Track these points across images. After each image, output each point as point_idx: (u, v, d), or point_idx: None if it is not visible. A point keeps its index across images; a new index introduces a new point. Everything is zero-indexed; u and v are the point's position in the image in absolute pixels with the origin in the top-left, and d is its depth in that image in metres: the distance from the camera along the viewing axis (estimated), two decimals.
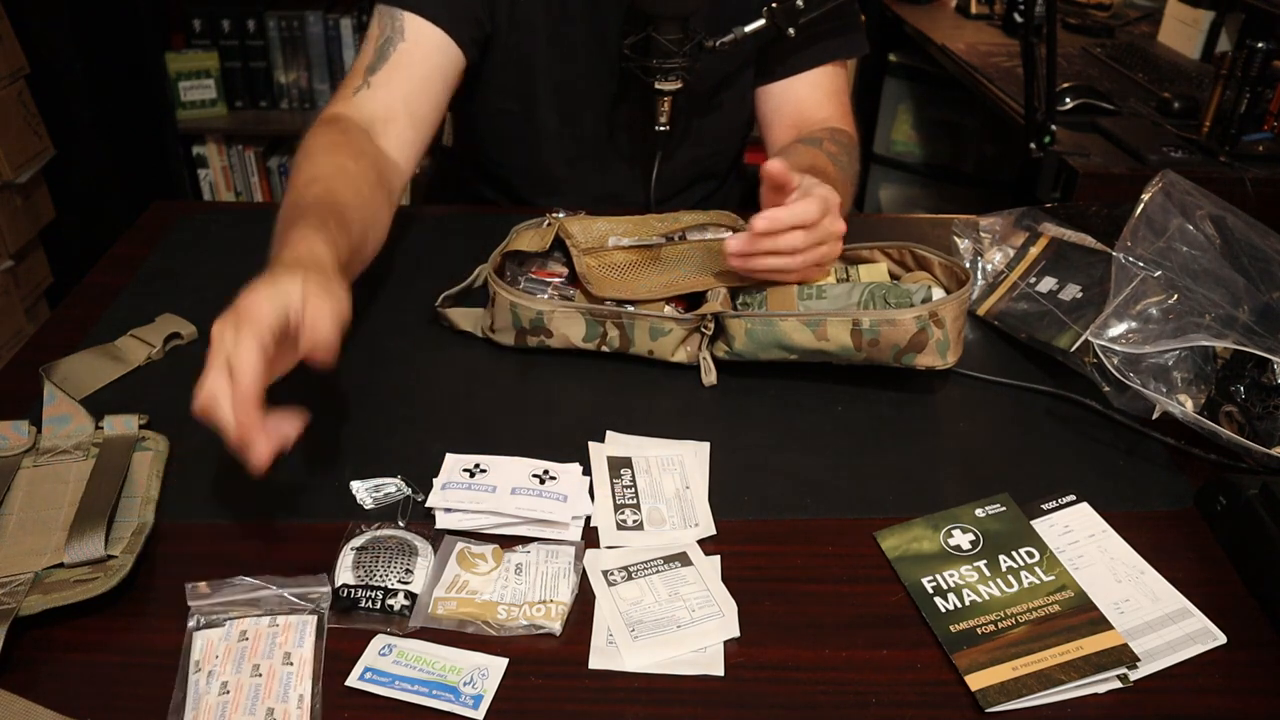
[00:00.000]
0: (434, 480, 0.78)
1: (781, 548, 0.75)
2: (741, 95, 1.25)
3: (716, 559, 0.73)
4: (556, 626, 0.67)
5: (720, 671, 0.65)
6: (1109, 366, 0.84)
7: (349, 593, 0.68)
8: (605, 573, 0.71)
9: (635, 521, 0.76)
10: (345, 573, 0.69)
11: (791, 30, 1.07)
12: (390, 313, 1.01)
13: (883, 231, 1.03)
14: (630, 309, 0.92)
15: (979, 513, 0.77)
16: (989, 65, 2.08)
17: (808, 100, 1.22)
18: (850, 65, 1.32)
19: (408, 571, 0.70)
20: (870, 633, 0.68)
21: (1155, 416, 0.83)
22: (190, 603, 0.67)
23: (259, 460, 0.66)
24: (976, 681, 0.64)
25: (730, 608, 0.69)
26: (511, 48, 1.14)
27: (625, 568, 0.72)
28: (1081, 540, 0.75)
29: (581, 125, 1.21)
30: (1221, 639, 0.67)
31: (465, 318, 0.97)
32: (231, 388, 0.65)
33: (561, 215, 1.00)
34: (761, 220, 0.86)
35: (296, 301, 0.70)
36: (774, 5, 1.06)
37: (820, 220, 0.88)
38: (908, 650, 0.67)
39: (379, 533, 0.73)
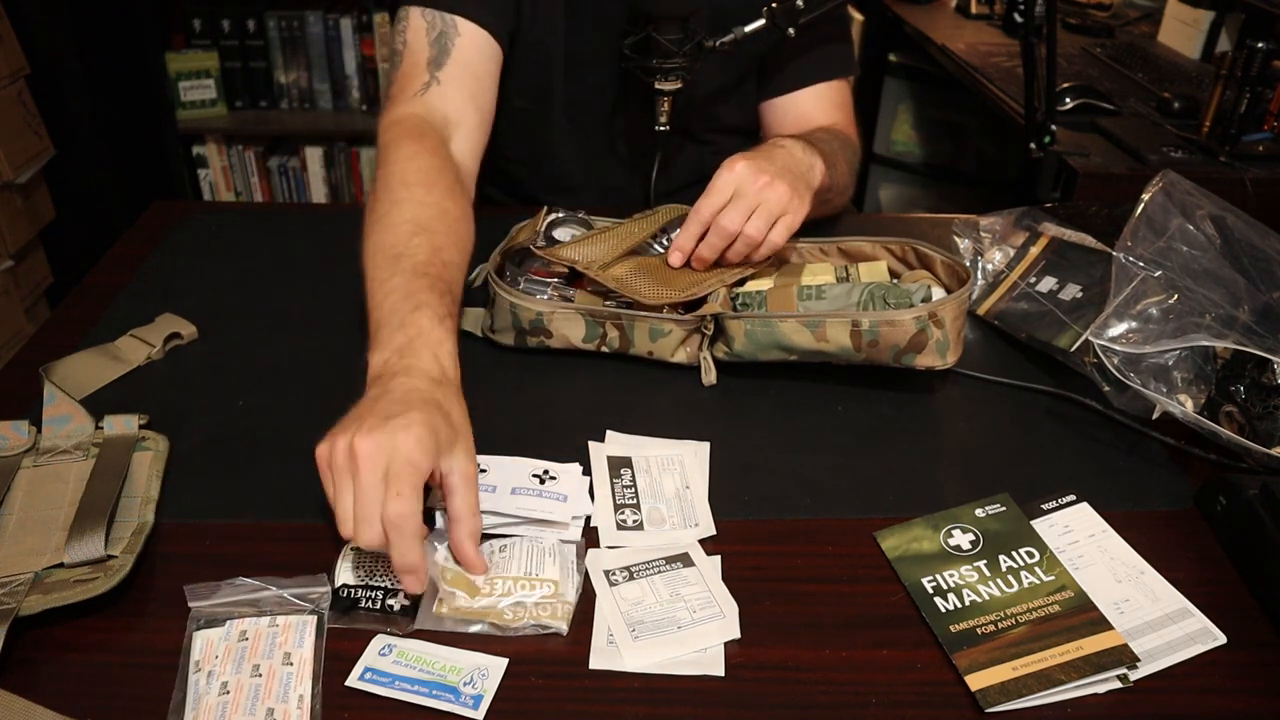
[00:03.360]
0: None
1: (781, 548, 0.75)
2: (746, 97, 1.25)
3: (717, 559, 0.73)
4: (563, 626, 0.67)
5: (720, 671, 0.65)
6: (1109, 366, 0.84)
7: (349, 593, 0.68)
8: (607, 573, 0.71)
9: (635, 521, 0.76)
10: (345, 573, 0.69)
11: (792, 30, 1.06)
12: None
13: (883, 231, 1.03)
14: (630, 309, 0.92)
15: (979, 513, 0.77)
16: (989, 65, 2.08)
17: (812, 111, 1.22)
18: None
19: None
20: (870, 633, 0.68)
21: (1155, 416, 0.83)
22: (190, 603, 0.67)
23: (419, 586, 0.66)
24: (976, 682, 0.64)
25: (731, 609, 0.69)
26: (531, 44, 1.14)
27: (627, 568, 0.72)
28: (1081, 540, 0.75)
29: (588, 122, 1.21)
30: (1221, 639, 0.67)
31: (465, 318, 0.97)
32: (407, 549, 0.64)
33: (561, 214, 1.00)
34: (674, 256, 0.94)
35: (454, 479, 0.69)
36: (774, 5, 1.06)
37: (725, 205, 0.91)
38: (908, 650, 0.67)
39: None
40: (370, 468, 0.64)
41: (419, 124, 0.99)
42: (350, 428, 0.67)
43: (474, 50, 1.05)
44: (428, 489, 0.68)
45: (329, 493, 0.67)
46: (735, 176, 0.93)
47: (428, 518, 0.75)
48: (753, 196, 0.92)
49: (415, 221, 0.86)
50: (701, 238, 0.93)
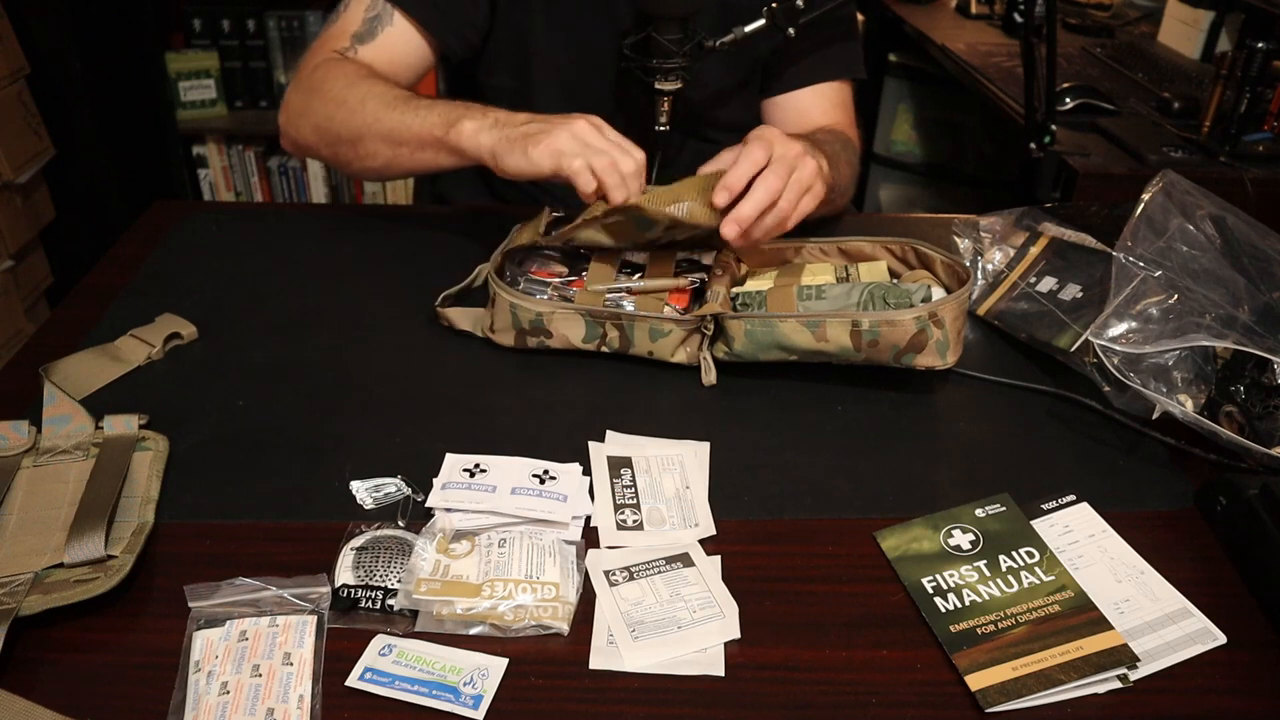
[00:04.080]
0: (434, 480, 0.78)
1: (781, 548, 0.75)
2: (749, 99, 1.25)
3: (717, 559, 0.73)
4: (564, 627, 0.67)
5: (720, 672, 0.65)
6: (1109, 366, 0.84)
7: (349, 593, 0.68)
8: (607, 573, 0.71)
9: (635, 521, 0.76)
10: (345, 573, 0.69)
11: (792, 30, 1.06)
12: (390, 313, 1.01)
13: (883, 231, 1.03)
14: (630, 309, 0.91)
15: (979, 513, 0.77)
16: (989, 65, 2.08)
17: (812, 110, 1.22)
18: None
19: (408, 572, 0.70)
20: (870, 633, 0.68)
21: (1155, 416, 0.83)
22: (190, 603, 0.67)
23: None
24: (976, 682, 0.64)
25: (731, 609, 0.69)
26: (512, 24, 1.16)
27: (627, 568, 0.72)
28: (1081, 540, 0.75)
29: None
30: (1221, 639, 0.67)
31: (465, 318, 0.97)
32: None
33: (561, 214, 1.00)
34: (720, 195, 0.89)
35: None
36: (774, 5, 1.06)
37: (771, 155, 0.91)
38: (908, 650, 0.67)
39: (379, 533, 0.73)
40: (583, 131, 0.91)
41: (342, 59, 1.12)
42: (547, 131, 0.91)
43: (401, 44, 1.13)
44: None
45: (586, 177, 0.89)
46: (771, 139, 0.92)
47: (427, 514, 0.75)
48: (790, 160, 0.91)
49: (395, 85, 1.07)
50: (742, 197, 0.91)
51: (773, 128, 0.95)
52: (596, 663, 0.65)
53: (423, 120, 1.01)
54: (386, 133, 1.04)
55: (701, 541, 0.75)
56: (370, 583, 0.69)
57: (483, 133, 0.96)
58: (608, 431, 0.85)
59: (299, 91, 1.12)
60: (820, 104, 1.22)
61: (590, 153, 0.90)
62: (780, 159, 0.91)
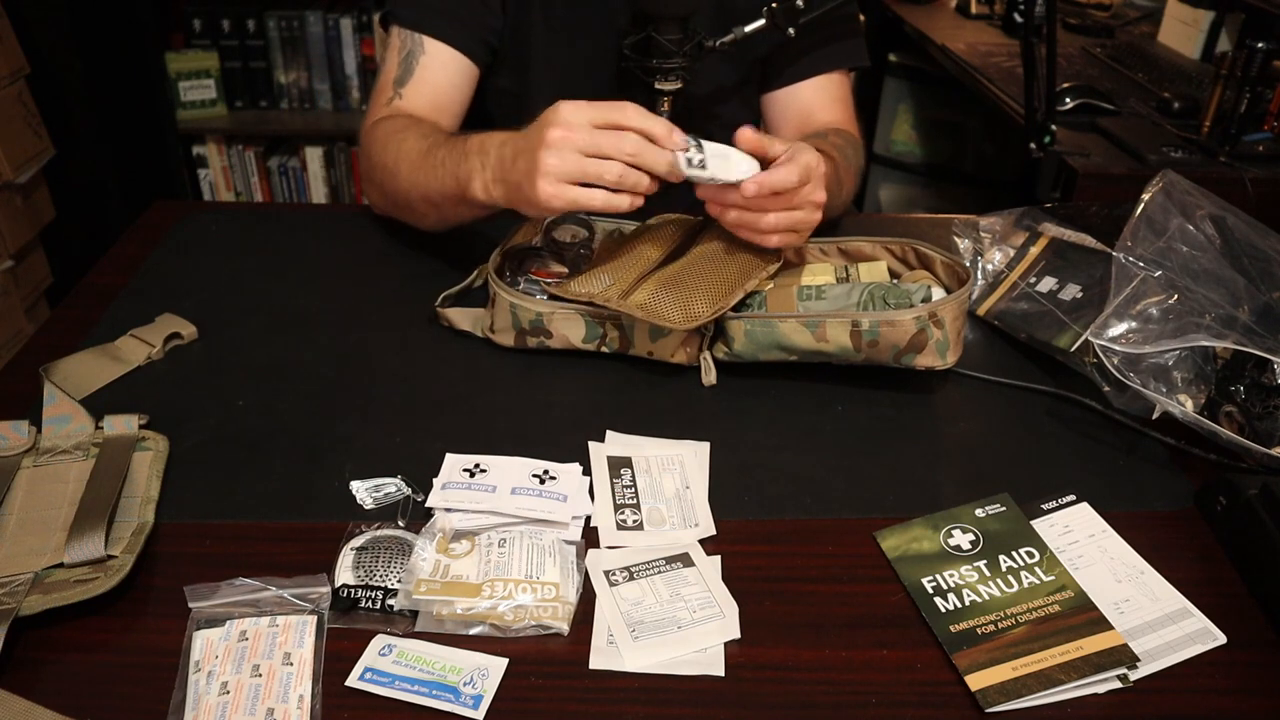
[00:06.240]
0: (434, 480, 0.78)
1: (781, 548, 0.75)
2: (748, 99, 1.25)
3: (717, 559, 0.73)
4: (564, 627, 0.67)
5: (720, 672, 0.65)
6: (1109, 366, 0.84)
7: (349, 593, 0.68)
8: (607, 573, 0.71)
9: (635, 521, 0.76)
10: (345, 573, 0.69)
11: (792, 30, 1.07)
12: (390, 313, 1.01)
13: (883, 231, 1.03)
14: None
15: (979, 513, 0.77)
16: (989, 65, 2.08)
17: (813, 104, 1.22)
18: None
19: (408, 572, 0.70)
20: (870, 633, 0.68)
21: (1155, 416, 0.83)
22: (190, 603, 0.67)
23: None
24: (976, 682, 0.64)
25: (731, 609, 0.69)
26: (514, 25, 1.16)
27: (627, 568, 0.72)
28: (1081, 540, 0.75)
29: None
30: (1221, 639, 0.67)
31: (465, 318, 0.97)
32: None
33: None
34: (750, 186, 0.85)
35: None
36: (774, 5, 1.06)
37: (800, 188, 0.88)
38: (908, 650, 0.67)
39: (379, 533, 0.73)
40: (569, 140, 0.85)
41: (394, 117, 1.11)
42: (528, 163, 0.85)
43: (439, 68, 1.13)
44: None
45: (613, 203, 0.85)
46: (811, 170, 0.88)
47: (427, 514, 0.75)
48: (806, 200, 0.89)
49: (420, 135, 1.04)
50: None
51: (816, 154, 0.90)
52: (596, 663, 0.65)
53: (441, 179, 0.98)
54: (421, 197, 1.03)
55: (701, 541, 0.75)
56: (370, 583, 0.69)
57: (489, 187, 0.92)
58: (608, 431, 0.85)
59: (361, 162, 1.14)
60: (820, 98, 1.22)
61: (593, 169, 0.84)
62: (800, 196, 0.89)
